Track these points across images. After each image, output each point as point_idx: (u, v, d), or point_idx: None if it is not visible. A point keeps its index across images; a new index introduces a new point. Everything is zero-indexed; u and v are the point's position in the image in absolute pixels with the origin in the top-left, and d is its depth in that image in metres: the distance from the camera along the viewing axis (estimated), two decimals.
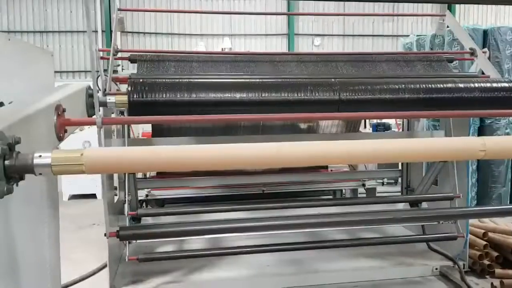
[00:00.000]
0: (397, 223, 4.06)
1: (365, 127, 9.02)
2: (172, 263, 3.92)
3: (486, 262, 3.89)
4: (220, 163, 1.75)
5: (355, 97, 2.60)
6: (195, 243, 4.44)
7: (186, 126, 4.79)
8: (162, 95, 2.45)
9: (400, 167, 4.92)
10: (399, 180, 5.05)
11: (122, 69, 5.70)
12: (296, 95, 2.56)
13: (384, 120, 8.23)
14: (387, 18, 15.82)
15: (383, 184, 6.09)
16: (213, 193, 5.20)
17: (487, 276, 3.87)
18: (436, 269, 3.89)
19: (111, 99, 2.52)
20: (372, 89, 2.62)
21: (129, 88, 2.48)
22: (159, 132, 4.92)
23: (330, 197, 6.10)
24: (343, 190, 6.08)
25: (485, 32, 5.69)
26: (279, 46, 15.45)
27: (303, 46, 15.69)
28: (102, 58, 3.18)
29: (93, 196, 7.93)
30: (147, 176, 5.61)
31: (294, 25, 15.60)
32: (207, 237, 4.34)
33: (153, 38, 14.81)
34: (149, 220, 4.10)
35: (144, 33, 14.80)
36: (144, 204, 5.25)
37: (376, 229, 4.62)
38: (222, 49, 10.47)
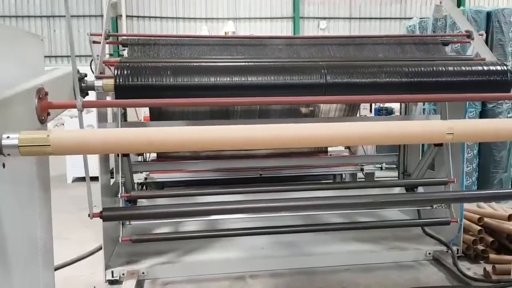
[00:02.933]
0: (388, 207, 4.08)
1: (370, 111, 8.98)
2: (168, 245, 3.98)
3: (480, 247, 3.89)
4: (186, 144, 1.76)
5: (341, 80, 2.59)
6: (192, 225, 4.50)
7: (183, 111, 4.82)
8: (148, 79, 2.45)
9: (398, 152, 4.90)
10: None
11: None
12: (281, 78, 2.55)
13: (386, 105, 8.17)
14: (394, 0, 15.59)
15: (381, 169, 6.08)
16: (212, 177, 5.23)
17: (481, 261, 3.86)
18: (429, 253, 3.91)
19: (98, 82, 2.54)
20: (357, 72, 2.60)
21: (116, 72, 2.49)
22: (156, 116, 4.95)
23: (330, 181, 6.11)
24: (343, 175, 6.08)
25: (488, 14, 5.58)
26: (284, 29, 15.34)
27: (309, 29, 15.56)
28: (94, 42, 3.19)
29: (96, 178, 7.98)
30: (147, 159, 5.67)
31: (300, 8, 15.43)
32: (203, 219, 4.40)
33: (158, 22, 14.77)
34: (144, 202, 4.13)
35: (150, 17, 14.75)
36: (144, 187, 5.31)
37: (372, 213, 4.65)
38: (226, 32, 10.41)
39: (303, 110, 5.22)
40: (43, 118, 1.96)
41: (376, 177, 5.73)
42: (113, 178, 3.97)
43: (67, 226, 4.88)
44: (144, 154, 5.48)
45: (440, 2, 3.93)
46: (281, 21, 15.50)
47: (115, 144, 1.85)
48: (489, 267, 3.62)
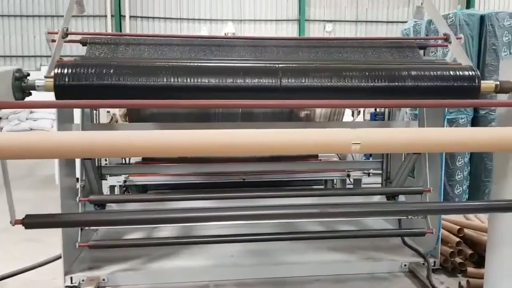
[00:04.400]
0: (362, 217, 3.91)
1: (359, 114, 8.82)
2: (137, 251, 3.88)
3: (458, 260, 3.71)
4: (110, 150, 1.65)
5: (296, 84, 2.45)
6: (164, 230, 4.40)
7: (160, 112, 4.70)
8: (89, 79, 2.35)
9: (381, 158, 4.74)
10: None
11: None
12: (233, 81, 2.43)
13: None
14: (402, 3, 15.35)
15: (369, 175, 5.92)
16: (194, 181, 5.12)
17: (458, 275, 3.69)
18: (405, 265, 3.75)
19: (39, 82, 2.45)
20: (313, 76, 2.46)
21: (55, 71, 2.39)
22: (134, 118, 4.86)
23: (317, 187, 5.97)
24: (334, 180, 5.93)
25: (482, 18, 5.39)
26: (289, 32, 15.21)
27: (314, 32, 15.41)
28: (53, 41, 3.10)
29: None
30: (129, 161, 5.57)
31: (306, 11, 15.28)
32: (173, 226, 4.30)
33: (162, 23, 14.75)
34: (113, 207, 4.03)
35: (154, 17, 14.74)
36: (126, 191, 5.23)
37: (351, 221, 4.50)
38: (226, 33, 10.34)
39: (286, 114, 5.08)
40: None
41: (363, 183, 5.58)
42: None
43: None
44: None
45: (422, 4, 3.78)
46: (287, 24, 15.36)
47: (41, 149, 1.77)
48: (464, 282, 3.45)
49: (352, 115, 9.90)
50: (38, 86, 2.43)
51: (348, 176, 5.34)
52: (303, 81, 2.47)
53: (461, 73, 2.67)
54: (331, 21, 15.53)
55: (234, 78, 2.42)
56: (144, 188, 5.58)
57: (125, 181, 4.92)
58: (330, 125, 4.97)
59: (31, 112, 11.59)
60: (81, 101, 2.27)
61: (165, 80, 2.39)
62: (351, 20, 15.67)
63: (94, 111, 4.23)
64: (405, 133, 1.56)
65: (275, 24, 15.23)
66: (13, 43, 14.41)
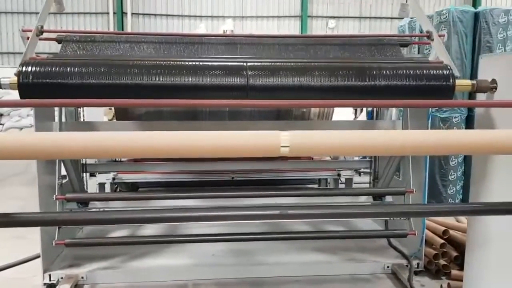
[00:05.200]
0: (341, 218, 3.86)
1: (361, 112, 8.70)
2: (119, 249, 3.87)
3: (442, 262, 3.65)
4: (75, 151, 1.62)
5: (263, 83, 2.41)
6: (148, 228, 4.39)
7: (148, 111, 4.68)
8: (52, 77, 2.33)
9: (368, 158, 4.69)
10: None
11: None
12: (200, 79, 2.39)
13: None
14: None
15: (360, 174, 5.87)
16: (182, 179, 5.10)
17: (442, 277, 3.63)
18: (388, 267, 3.70)
19: (5, 80, 2.43)
20: (279, 74, 2.42)
21: (20, 69, 2.37)
22: (121, 116, 4.85)
23: (310, 186, 5.92)
24: (328, 180, 5.88)
25: (476, 15, 5.29)
26: (291, 28, 15.10)
27: (317, 28, 15.28)
28: (28, 38, 3.07)
29: None
30: (120, 159, 5.56)
31: (308, 7, 15.17)
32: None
33: (164, 20, 14.73)
34: (97, 205, 4.01)
35: (155, 15, 14.73)
36: (116, 188, 5.23)
37: (337, 221, 4.45)
38: (224, 31, 10.29)
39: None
40: None
41: (354, 182, 5.52)
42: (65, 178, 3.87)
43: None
44: None
45: (406, 1, 3.71)
46: (289, 20, 15.26)
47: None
48: (445, 284, 3.39)
49: (355, 114, 9.81)
50: (3, 84, 2.41)
51: (339, 175, 5.29)
52: (270, 80, 2.43)
53: (435, 72, 2.61)
54: (334, 17, 15.41)
55: (198, 77, 2.38)
56: (134, 186, 5.57)
57: (114, 179, 4.91)
58: (318, 124, 4.93)
59: (32, 109, 11.62)
60: (42, 100, 2.25)
61: (132, 78, 2.36)
62: (355, 16, 15.52)
63: (79, 109, 4.21)
64: (336, 136, 1.51)
65: (277, 20, 15.14)
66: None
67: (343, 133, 1.57)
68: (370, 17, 15.61)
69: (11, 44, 14.09)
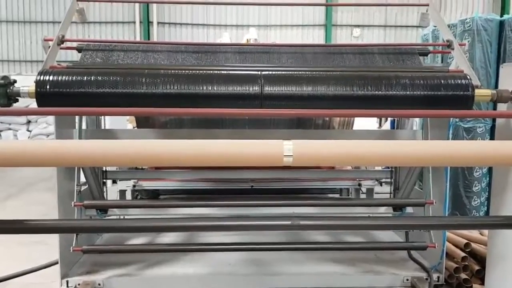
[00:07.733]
0: (358, 229, 3.81)
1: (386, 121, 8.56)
2: (139, 256, 3.90)
3: (463, 275, 3.55)
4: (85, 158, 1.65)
5: (277, 91, 2.40)
6: (167, 236, 4.41)
7: (169, 119, 4.73)
8: (70, 87, 2.38)
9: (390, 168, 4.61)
10: None
11: None
12: (211, 88, 2.40)
13: None
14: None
15: (381, 184, 5.76)
16: (202, 187, 5.12)
17: None
18: (407, 279, 3.60)
19: (24, 89, 2.50)
20: (294, 84, 2.40)
21: (38, 78, 2.43)
22: (142, 123, 4.91)
23: (330, 196, 5.86)
24: (350, 189, 5.81)
25: (501, 23, 5.17)
26: (316, 37, 15.08)
27: (342, 37, 15.21)
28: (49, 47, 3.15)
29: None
30: (141, 167, 5.62)
31: (332, 16, 15.12)
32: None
33: (189, 29, 14.92)
34: (116, 212, 4.06)
35: (181, 24, 14.93)
36: (137, 196, 5.30)
37: (357, 232, 4.38)
38: (248, 40, 10.32)
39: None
40: None
41: (375, 192, 5.44)
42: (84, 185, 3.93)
43: None
44: None
45: (427, 10, 3.66)
46: (313, 29, 15.24)
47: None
48: None
49: (380, 122, 9.68)
50: (22, 93, 2.48)
51: (359, 185, 5.22)
52: (283, 89, 2.42)
53: (453, 81, 2.55)
54: (359, 26, 15.31)
55: (214, 86, 2.39)
56: (155, 193, 5.62)
57: (134, 186, 4.98)
58: (340, 133, 4.89)
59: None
60: (59, 109, 2.30)
61: (148, 87, 2.39)
62: (380, 24, 15.38)
63: (99, 116, 4.28)
64: (340, 146, 1.48)
65: (301, 29, 15.14)
66: (16, 47, 14.92)
67: (347, 142, 1.55)
68: (395, 26, 15.44)
69: (41, 53, 14.54)
